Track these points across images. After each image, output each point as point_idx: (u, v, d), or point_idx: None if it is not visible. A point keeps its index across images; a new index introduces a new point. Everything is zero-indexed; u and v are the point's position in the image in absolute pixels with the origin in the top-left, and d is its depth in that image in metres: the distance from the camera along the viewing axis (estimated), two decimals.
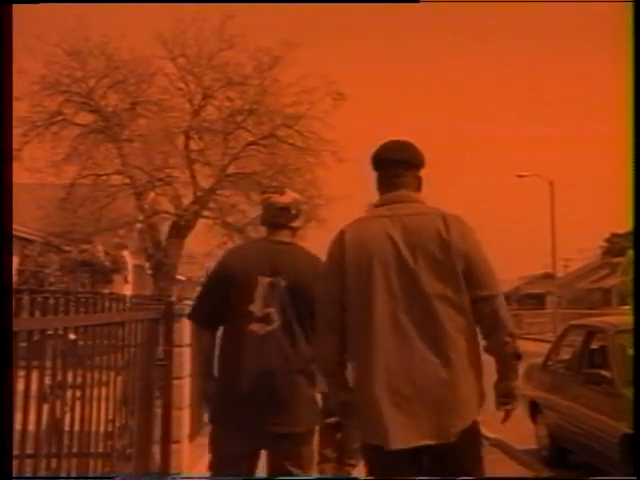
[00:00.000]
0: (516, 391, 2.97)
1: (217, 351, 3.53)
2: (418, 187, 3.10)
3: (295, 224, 3.56)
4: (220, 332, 3.56)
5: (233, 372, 3.37)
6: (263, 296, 3.37)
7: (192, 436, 5.22)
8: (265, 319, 3.36)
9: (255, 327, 3.34)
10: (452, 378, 2.77)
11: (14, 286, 3.10)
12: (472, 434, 2.83)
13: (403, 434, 2.76)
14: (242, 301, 3.36)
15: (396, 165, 3.06)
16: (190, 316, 3.71)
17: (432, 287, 2.82)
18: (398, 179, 3.04)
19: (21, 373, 2.46)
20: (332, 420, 3.79)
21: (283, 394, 3.32)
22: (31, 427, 2.53)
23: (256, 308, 3.36)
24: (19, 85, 17.53)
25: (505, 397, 2.95)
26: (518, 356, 2.93)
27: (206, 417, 5.49)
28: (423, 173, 3.15)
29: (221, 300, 3.43)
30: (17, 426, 2.44)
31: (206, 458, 5.43)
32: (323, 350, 3.00)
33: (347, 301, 2.91)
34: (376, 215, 3.00)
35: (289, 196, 3.58)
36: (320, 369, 3.13)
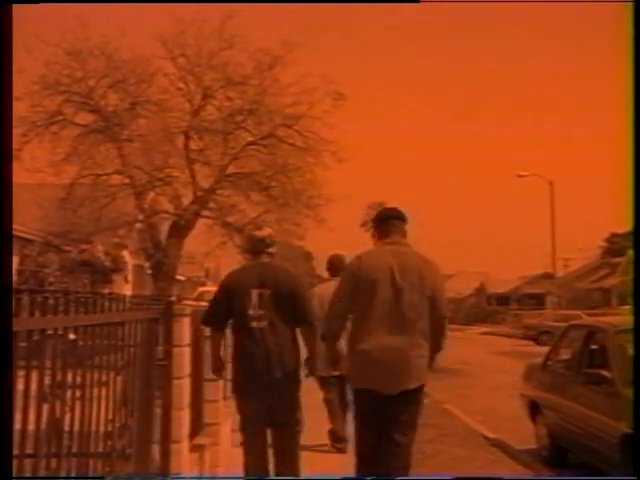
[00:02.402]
0: (437, 360, 4.86)
1: (230, 342, 4.96)
2: (405, 235, 4.86)
3: (270, 250, 5.03)
4: (230, 328, 5.08)
5: (243, 356, 4.86)
6: (256, 302, 4.83)
7: (192, 436, 5.22)
8: (259, 318, 4.82)
9: (254, 324, 4.82)
10: (411, 352, 4.54)
11: (14, 286, 3.10)
12: (420, 391, 4.66)
13: (385, 384, 4.52)
14: (242, 306, 4.84)
15: (392, 219, 4.86)
16: (203, 322, 5.24)
17: (408, 299, 4.56)
18: (394, 228, 4.83)
19: (21, 373, 2.46)
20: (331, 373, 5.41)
21: (278, 371, 4.77)
22: (31, 427, 2.53)
23: (252, 311, 4.83)
24: (19, 85, 17.53)
25: (432, 359, 4.78)
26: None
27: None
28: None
29: (225, 308, 4.93)
30: (17, 426, 2.44)
31: (206, 457, 5.50)
32: (332, 327, 4.73)
33: (356, 299, 4.63)
34: (383, 250, 4.77)
35: (265, 231, 5.12)
36: (327, 336, 4.77)
